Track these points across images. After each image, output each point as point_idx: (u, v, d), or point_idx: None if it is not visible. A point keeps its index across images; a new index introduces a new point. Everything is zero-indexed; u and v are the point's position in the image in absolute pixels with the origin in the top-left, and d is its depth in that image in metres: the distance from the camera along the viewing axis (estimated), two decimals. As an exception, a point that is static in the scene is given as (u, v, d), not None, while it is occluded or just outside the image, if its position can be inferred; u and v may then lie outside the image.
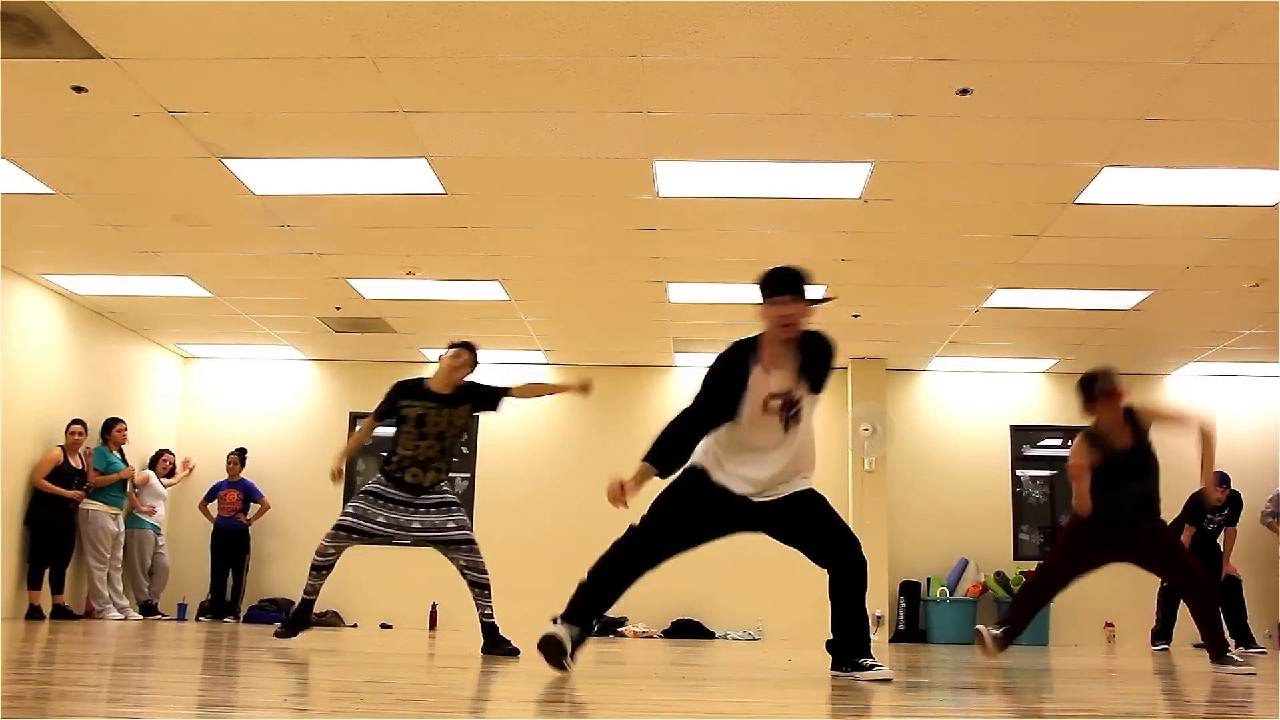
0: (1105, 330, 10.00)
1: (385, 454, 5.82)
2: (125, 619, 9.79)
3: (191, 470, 11.51)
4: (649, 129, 6.11)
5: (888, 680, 3.98)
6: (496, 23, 5.04)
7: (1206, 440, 5.78)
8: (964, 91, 5.59)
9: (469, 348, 5.86)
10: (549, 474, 11.33)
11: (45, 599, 9.37)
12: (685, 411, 4.05)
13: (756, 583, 10.57)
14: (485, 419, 11.70)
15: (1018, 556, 11.38)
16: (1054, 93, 5.57)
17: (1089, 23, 4.92)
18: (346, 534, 5.64)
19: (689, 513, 4.07)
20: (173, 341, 11.61)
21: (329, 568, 5.73)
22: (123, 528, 10.16)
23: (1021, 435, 11.71)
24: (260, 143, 6.45)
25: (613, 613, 10.83)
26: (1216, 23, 4.88)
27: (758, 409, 4.00)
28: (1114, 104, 5.68)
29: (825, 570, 4.15)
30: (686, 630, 10.86)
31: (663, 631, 10.88)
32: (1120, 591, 10.26)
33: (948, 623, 10.67)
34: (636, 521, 4.08)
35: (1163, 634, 9.65)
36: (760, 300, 4.07)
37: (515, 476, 11.49)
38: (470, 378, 5.83)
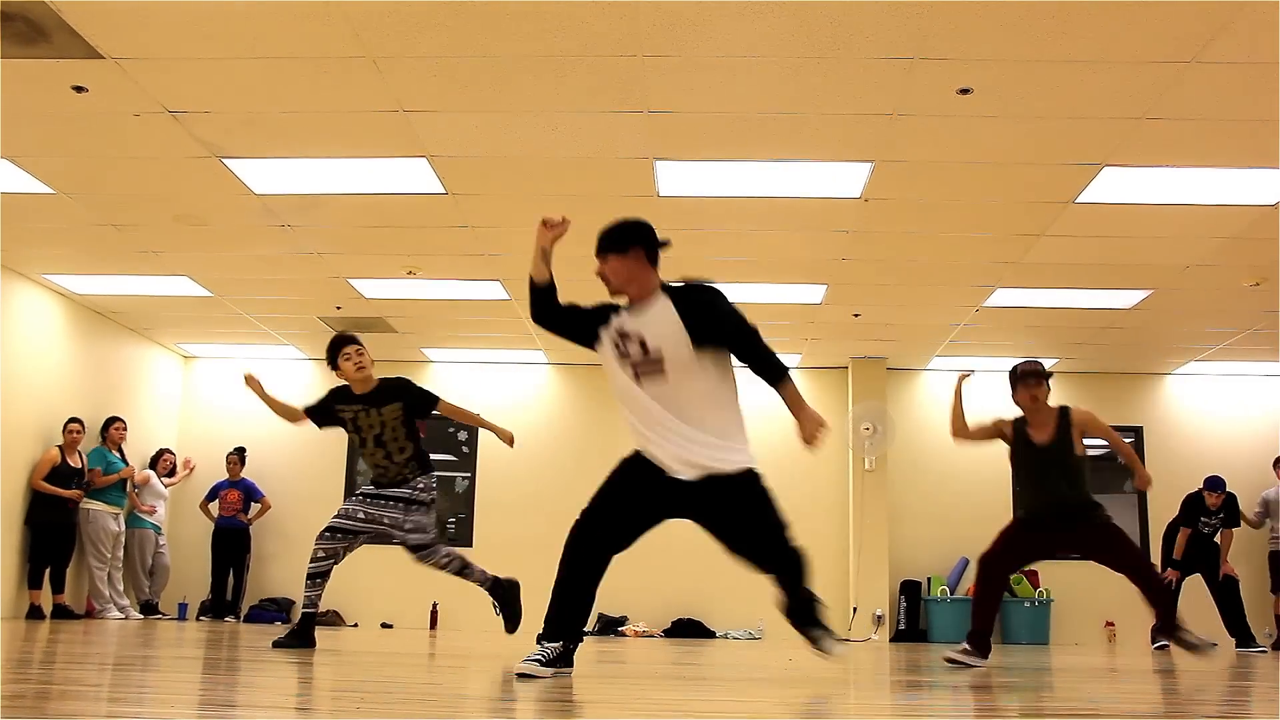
0: (1106, 329, 10.00)
1: (350, 463, 5.84)
2: (126, 618, 9.79)
3: (192, 470, 11.51)
4: (649, 128, 6.11)
5: (830, 654, 4.03)
6: (497, 22, 5.04)
7: (1123, 446, 5.76)
8: (964, 91, 5.59)
9: (352, 340, 5.73)
10: (549, 474, 11.33)
11: (46, 598, 9.37)
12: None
13: (757, 582, 10.47)
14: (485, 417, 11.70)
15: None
16: (1054, 92, 5.58)
17: (1089, 22, 4.92)
18: (332, 535, 5.56)
19: (621, 489, 3.90)
20: (173, 341, 11.61)
21: (325, 575, 5.57)
22: (123, 527, 10.16)
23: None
24: (261, 142, 6.45)
25: (613, 612, 10.93)
26: (1217, 22, 4.88)
27: (609, 345, 3.98)
28: (1114, 103, 5.68)
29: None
30: (687, 630, 10.86)
31: (663, 631, 10.89)
32: (1121, 591, 10.21)
33: (948, 622, 10.66)
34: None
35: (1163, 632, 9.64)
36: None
37: (515, 476, 11.49)
38: (402, 380, 5.74)
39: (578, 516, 3.91)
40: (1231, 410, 11.58)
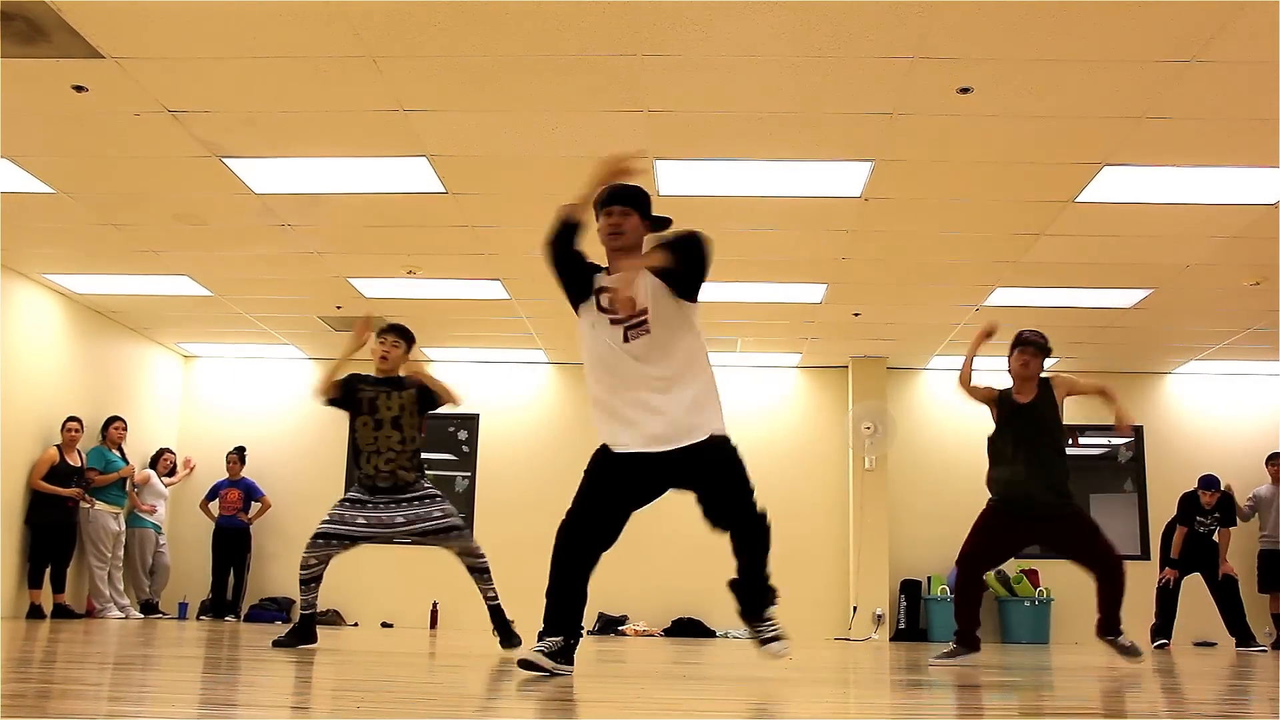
0: (1106, 329, 10.00)
1: (350, 463, 5.83)
2: (126, 618, 9.79)
3: (192, 469, 11.52)
4: (649, 128, 6.11)
5: (780, 656, 3.93)
6: (497, 21, 5.04)
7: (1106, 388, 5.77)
8: (964, 90, 5.59)
9: (398, 332, 5.89)
10: (549, 474, 11.33)
11: (46, 598, 9.37)
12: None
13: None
14: (486, 418, 11.72)
15: (1018, 555, 11.36)
16: (1054, 91, 5.58)
17: (1089, 21, 4.92)
18: (326, 541, 5.50)
19: (599, 488, 3.88)
20: (173, 340, 11.61)
21: (317, 579, 5.55)
22: (124, 527, 10.17)
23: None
24: (260, 142, 6.45)
25: (614, 612, 10.93)
26: (1216, 21, 4.89)
27: (594, 306, 3.93)
28: (1114, 102, 5.68)
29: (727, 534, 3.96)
30: (687, 629, 10.86)
31: (663, 630, 10.89)
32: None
33: (948, 621, 10.59)
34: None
35: (1162, 631, 9.65)
36: (595, 215, 4.06)
37: (515, 476, 11.49)
38: (415, 379, 5.80)
39: (563, 520, 3.89)
40: (1232, 409, 11.58)
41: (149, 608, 10.51)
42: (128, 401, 10.83)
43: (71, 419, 9.64)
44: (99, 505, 9.79)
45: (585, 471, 3.94)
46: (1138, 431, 11.56)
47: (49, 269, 9.21)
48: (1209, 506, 9.74)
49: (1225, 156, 6.34)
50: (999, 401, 5.81)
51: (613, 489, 3.88)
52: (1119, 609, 5.54)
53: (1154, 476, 11.45)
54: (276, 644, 5.53)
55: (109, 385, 10.60)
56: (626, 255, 3.97)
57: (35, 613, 9.22)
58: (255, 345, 11.61)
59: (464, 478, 11.80)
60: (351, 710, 2.62)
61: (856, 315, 9.86)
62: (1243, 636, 9.61)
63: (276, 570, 11.32)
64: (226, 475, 11.18)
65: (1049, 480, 5.58)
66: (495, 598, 5.66)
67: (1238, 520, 10.19)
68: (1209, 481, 9.72)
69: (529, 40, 5.19)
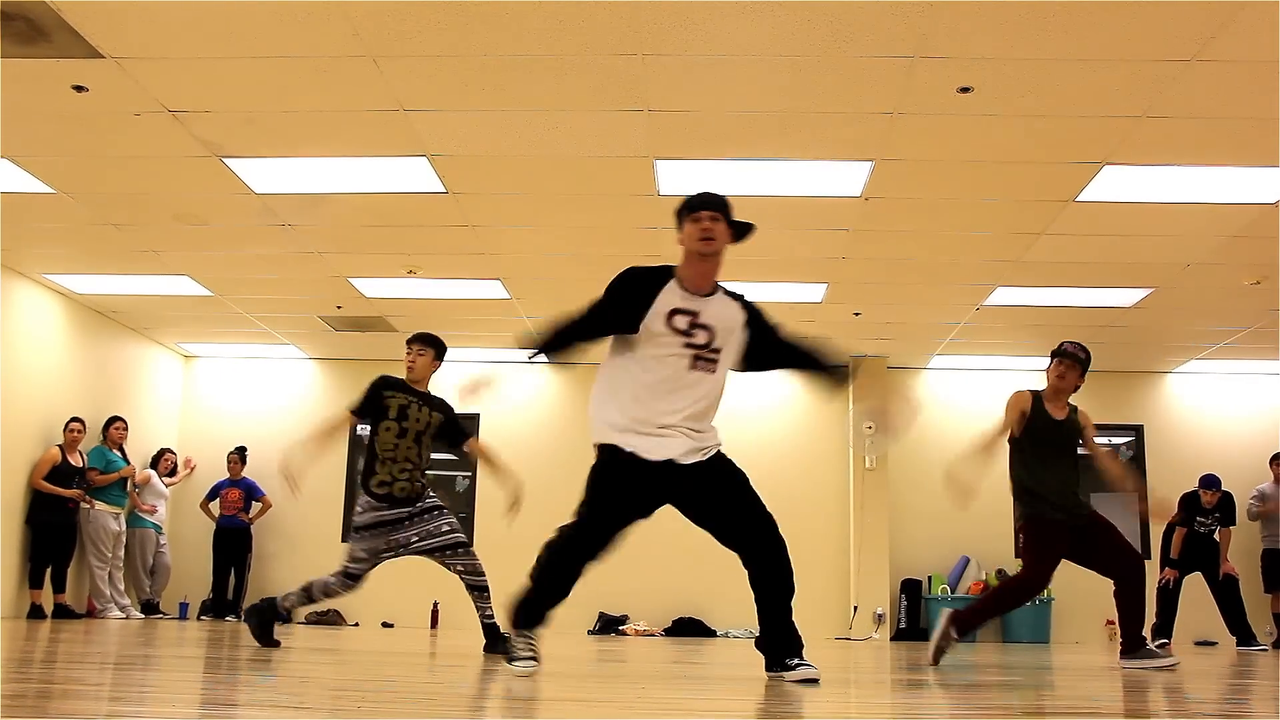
0: (1106, 328, 10.00)
1: (363, 469, 5.56)
2: (127, 618, 9.79)
3: (193, 469, 11.51)
4: (650, 127, 6.11)
5: (814, 681, 3.70)
6: (497, 21, 5.04)
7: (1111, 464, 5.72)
8: (965, 90, 5.59)
9: (426, 340, 5.74)
10: (549, 474, 11.30)
11: (47, 598, 9.38)
12: (578, 313, 3.89)
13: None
14: (487, 418, 11.71)
15: (1019, 554, 11.36)
16: (1055, 91, 5.57)
17: (1089, 21, 4.92)
18: (354, 581, 5.42)
19: (620, 494, 3.79)
20: (174, 340, 11.61)
21: (316, 602, 5.56)
22: (124, 527, 10.17)
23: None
24: (261, 142, 6.45)
25: (614, 611, 10.93)
26: (1217, 20, 4.88)
27: (661, 321, 3.78)
28: (1115, 102, 5.68)
29: (738, 554, 3.84)
30: (688, 628, 10.87)
31: (664, 630, 10.89)
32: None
33: (949, 621, 10.66)
34: (568, 520, 3.87)
35: (1162, 631, 9.64)
36: (679, 222, 3.97)
37: (516, 475, 11.49)
38: (450, 405, 5.72)
39: (574, 526, 3.80)
40: (1232, 408, 11.58)
41: (150, 608, 10.51)
42: (128, 401, 10.83)
43: (74, 419, 9.64)
44: (99, 505, 9.79)
45: (598, 474, 3.82)
46: (1137, 431, 11.56)
47: (49, 269, 9.22)
48: (1210, 506, 9.73)
49: (1225, 156, 6.34)
50: (1032, 411, 5.70)
51: (633, 503, 3.80)
52: (1141, 621, 5.51)
53: (1154, 476, 11.43)
54: (245, 615, 5.54)
55: (109, 385, 10.60)
56: (713, 268, 3.93)
57: (36, 613, 9.23)
58: (256, 345, 11.61)
59: (464, 478, 11.79)
60: (352, 710, 2.62)
61: (857, 315, 9.86)
62: (1243, 635, 9.61)
63: (277, 570, 11.32)
64: (227, 475, 11.18)
65: (1077, 483, 5.58)
66: (492, 616, 5.60)
67: (1246, 519, 10.21)
68: (1209, 481, 9.72)
69: (529, 40, 5.19)
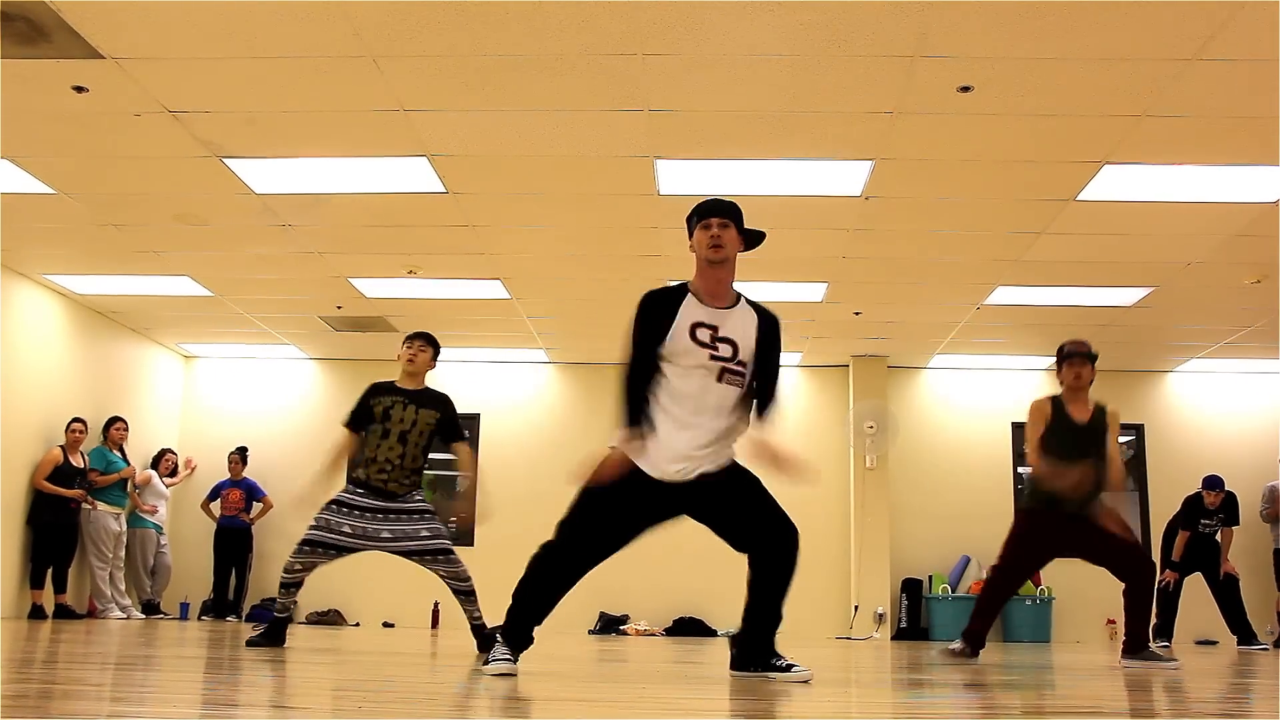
0: (1107, 327, 9.99)
1: (353, 460, 5.63)
2: (128, 618, 9.80)
3: (193, 470, 11.52)
4: (650, 127, 6.11)
5: (806, 681, 3.75)
6: (497, 21, 5.04)
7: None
8: (965, 89, 5.59)
9: (426, 338, 5.72)
10: (549, 473, 11.32)
11: (48, 598, 9.38)
12: (625, 369, 3.84)
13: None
14: (487, 418, 11.72)
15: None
16: (1055, 90, 5.57)
17: (1090, 20, 4.92)
18: (311, 549, 5.39)
19: (615, 509, 3.80)
20: (174, 341, 11.61)
21: (298, 585, 5.51)
22: (125, 527, 10.17)
23: (1023, 432, 11.68)
24: (261, 142, 6.45)
25: (615, 611, 10.93)
26: (1217, 19, 4.88)
27: (685, 336, 3.77)
28: (1115, 100, 5.67)
29: (746, 556, 3.87)
30: (688, 628, 10.87)
31: (664, 629, 10.90)
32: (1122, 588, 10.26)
33: (949, 620, 10.66)
34: (551, 535, 3.87)
35: (1163, 632, 9.65)
36: (689, 229, 3.95)
37: (515, 476, 11.48)
38: (449, 399, 5.70)
39: (563, 534, 3.80)
40: (1232, 407, 11.58)
41: (150, 608, 10.51)
42: (128, 402, 10.83)
43: (76, 420, 9.64)
44: (100, 506, 9.80)
45: (594, 488, 3.80)
46: (1138, 431, 11.56)
47: (49, 269, 9.22)
48: (1213, 507, 9.73)
49: (1226, 155, 6.34)
50: (1052, 415, 5.71)
51: (626, 510, 3.80)
52: (1147, 621, 5.58)
53: (1155, 475, 11.45)
54: (250, 643, 5.51)
55: (110, 386, 10.60)
56: (726, 275, 3.93)
57: (37, 613, 9.23)
58: (256, 345, 11.61)
59: (465, 477, 11.78)
60: (352, 710, 2.62)
61: (857, 314, 9.86)
62: (1244, 635, 9.61)
63: (278, 570, 11.17)
64: (228, 475, 11.18)
65: (1092, 489, 5.59)
66: (479, 618, 5.57)
67: (1260, 519, 10.22)
68: (1213, 482, 9.71)
69: (529, 40, 5.19)
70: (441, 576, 5.57)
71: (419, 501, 5.55)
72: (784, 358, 4.08)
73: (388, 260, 8.64)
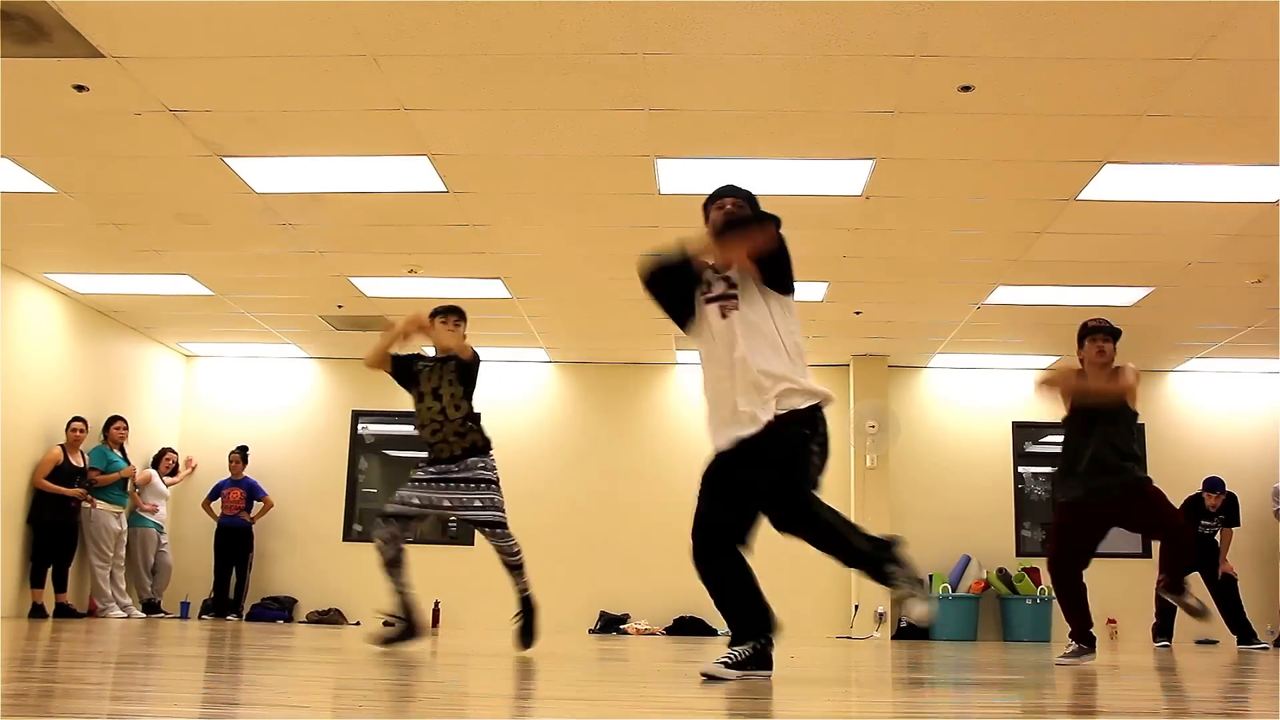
0: (1107, 327, 9.99)
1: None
2: (128, 617, 9.80)
3: (194, 469, 11.52)
4: (650, 126, 6.11)
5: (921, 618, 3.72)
6: (497, 20, 5.04)
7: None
8: (965, 88, 5.59)
9: (456, 310, 5.77)
10: (550, 471, 11.33)
11: (48, 597, 9.39)
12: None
13: (758, 579, 10.54)
14: (488, 417, 11.70)
15: (1020, 553, 11.38)
16: (1055, 89, 5.57)
17: (1090, 19, 4.92)
18: (386, 521, 5.48)
19: (716, 489, 3.86)
20: (174, 340, 11.61)
21: (396, 563, 5.54)
22: (125, 526, 10.18)
23: (1024, 432, 11.71)
24: (262, 141, 6.45)
25: (615, 610, 10.93)
26: (1217, 19, 4.88)
27: (700, 301, 3.99)
28: (1116, 100, 5.68)
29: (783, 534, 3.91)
30: (689, 627, 10.86)
31: (665, 629, 10.89)
32: (1123, 588, 10.28)
33: (950, 620, 10.67)
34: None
35: (1163, 631, 9.65)
36: (705, 215, 4.07)
37: (517, 474, 11.44)
38: (472, 357, 5.79)
39: (694, 529, 3.85)
40: (1233, 407, 11.58)
41: (151, 607, 10.52)
42: (129, 401, 10.84)
43: (76, 419, 9.65)
44: (100, 505, 9.80)
45: (703, 478, 3.89)
46: (1139, 430, 11.56)
47: (50, 268, 9.22)
48: (1214, 509, 9.73)
49: (1226, 154, 6.34)
50: (1080, 389, 5.79)
51: (726, 484, 3.84)
52: (1182, 569, 5.73)
53: (1155, 474, 11.30)
54: (387, 641, 5.60)
55: (110, 385, 10.60)
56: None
57: (38, 612, 9.23)
58: (256, 345, 11.62)
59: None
60: (352, 710, 2.62)
61: (858, 314, 9.86)
62: (1244, 634, 9.61)
63: (278, 569, 11.34)
64: (228, 474, 11.19)
65: (1128, 454, 5.73)
66: (527, 589, 5.60)
67: (1274, 518, 10.23)
68: (1214, 484, 9.72)
69: (529, 40, 5.19)
70: (494, 548, 5.60)
71: (480, 470, 5.59)
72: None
73: (388, 259, 8.64)
